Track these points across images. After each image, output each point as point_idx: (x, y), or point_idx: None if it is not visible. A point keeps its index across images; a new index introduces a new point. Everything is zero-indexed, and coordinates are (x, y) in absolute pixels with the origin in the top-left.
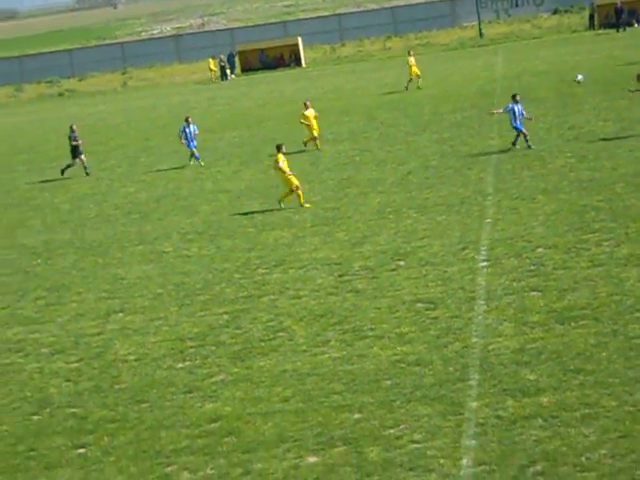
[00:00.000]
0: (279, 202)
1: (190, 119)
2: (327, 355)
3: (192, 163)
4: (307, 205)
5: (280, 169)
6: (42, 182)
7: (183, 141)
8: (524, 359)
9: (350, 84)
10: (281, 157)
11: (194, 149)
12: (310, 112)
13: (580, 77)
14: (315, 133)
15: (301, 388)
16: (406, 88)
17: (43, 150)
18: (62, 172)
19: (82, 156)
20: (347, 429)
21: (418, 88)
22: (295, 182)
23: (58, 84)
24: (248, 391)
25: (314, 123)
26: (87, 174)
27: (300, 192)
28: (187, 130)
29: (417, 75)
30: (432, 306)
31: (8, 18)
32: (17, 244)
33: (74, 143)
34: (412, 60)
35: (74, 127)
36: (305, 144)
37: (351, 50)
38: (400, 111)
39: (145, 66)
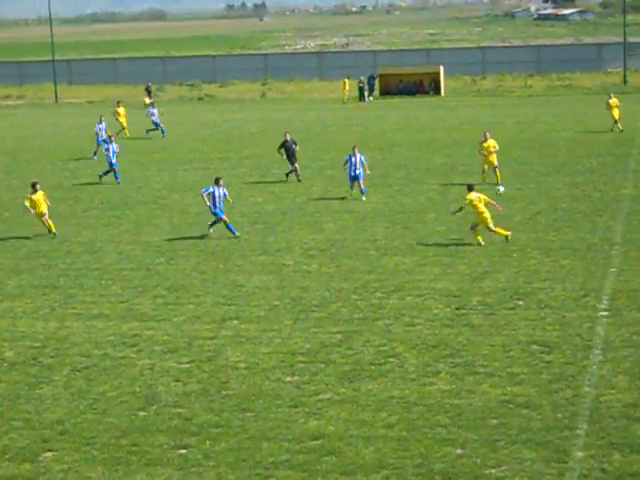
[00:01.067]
0: (474, 234)
1: (356, 149)
2: (436, 386)
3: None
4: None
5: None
6: (172, 183)
7: (344, 167)
8: (636, 414)
9: (487, 117)
10: (472, 196)
11: (361, 181)
12: (490, 143)
13: (501, 189)
14: (488, 165)
15: (406, 416)
16: (612, 130)
17: (176, 151)
18: (286, 175)
19: (296, 164)
20: (448, 463)
21: (620, 131)
22: (488, 221)
23: (199, 88)
24: (353, 413)
25: (492, 155)
26: (299, 180)
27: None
28: (353, 159)
29: (617, 118)
30: (547, 350)
31: (156, 19)
32: (142, 241)
33: (295, 147)
34: (614, 101)
35: (287, 136)
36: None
37: (491, 84)
38: (535, 150)
39: (285, 79)
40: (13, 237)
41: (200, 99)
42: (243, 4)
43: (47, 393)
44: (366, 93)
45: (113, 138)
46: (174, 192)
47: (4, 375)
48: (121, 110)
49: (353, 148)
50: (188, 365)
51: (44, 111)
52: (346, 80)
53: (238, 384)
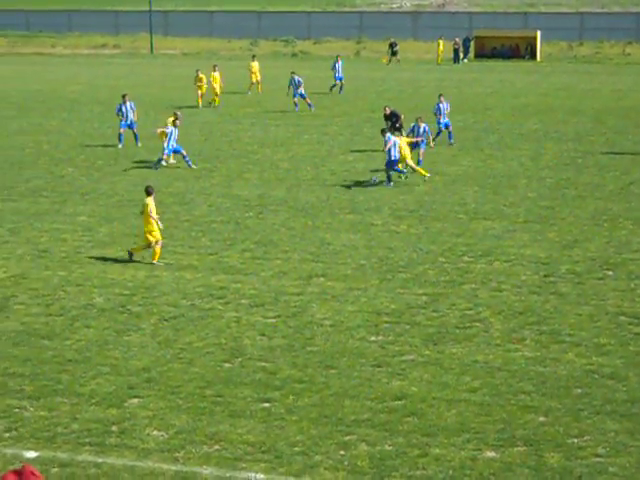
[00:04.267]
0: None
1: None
2: (520, 353)
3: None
4: None
5: None
6: (263, 137)
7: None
8: None
9: (583, 84)
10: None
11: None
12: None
13: (375, 179)
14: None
15: (489, 381)
16: None
17: (269, 107)
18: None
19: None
20: (530, 430)
21: None
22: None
23: (293, 44)
24: (436, 375)
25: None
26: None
27: None
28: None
29: None
30: (635, 321)
31: None
32: (233, 194)
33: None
34: None
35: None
36: None
37: (589, 50)
38: (631, 119)
39: (380, 38)
40: (106, 185)
41: (294, 55)
42: None
43: (134, 340)
44: (461, 55)
45: (127, 97)
46: (265, 147)
47: (93, 321)
48: (254, 65)
49: (417, 119)
50: (274, 320)
51: (139, 61)
52: (441, 41)
53: (322, 341)
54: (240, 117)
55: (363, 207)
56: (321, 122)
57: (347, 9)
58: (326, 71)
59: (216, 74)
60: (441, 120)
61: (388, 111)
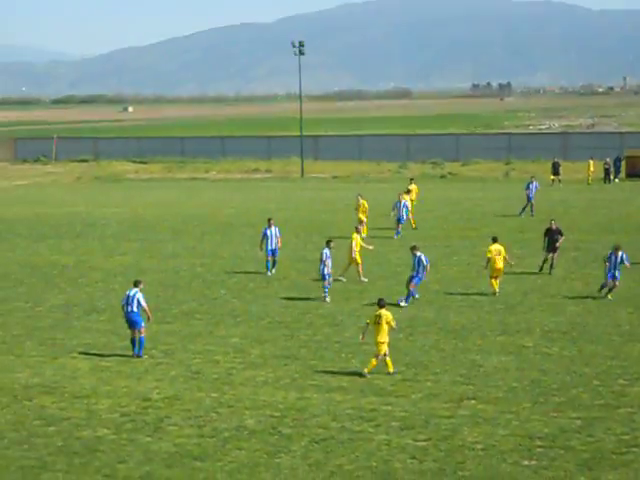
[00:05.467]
0: None
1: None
2: None
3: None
4: None
5: None
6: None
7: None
8: None
9: None
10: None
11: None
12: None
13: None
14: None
15: None
16: None
17: (419, 228)
18: (540, 269)
19: (554, 253)
20: None
21: None
22: None
23: (442, 166)
24: None
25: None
26: (550, 273)
27: None
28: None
29: None
30: None
31: (402, 97)
32: None
33: (558, 237)
34: None
35: (553, 224)
36: None
37: None
38: None
39: (529, 159)
40: (257, 307)
41: (442, 177)
42: (488, 84)
43: (285, 463)
44: (612, 175)
45: (272, 222)
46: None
47: (245, 443)
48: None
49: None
50: (425, 443)
51: (290, 185)
52: (591, 161)
53: (474, 465)
54: (390, 239)
55: (514, 328)
56: (470, 243)
57: (495, 131)
58: (474, 192)
59: (362, 202)
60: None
61: (554, 226)
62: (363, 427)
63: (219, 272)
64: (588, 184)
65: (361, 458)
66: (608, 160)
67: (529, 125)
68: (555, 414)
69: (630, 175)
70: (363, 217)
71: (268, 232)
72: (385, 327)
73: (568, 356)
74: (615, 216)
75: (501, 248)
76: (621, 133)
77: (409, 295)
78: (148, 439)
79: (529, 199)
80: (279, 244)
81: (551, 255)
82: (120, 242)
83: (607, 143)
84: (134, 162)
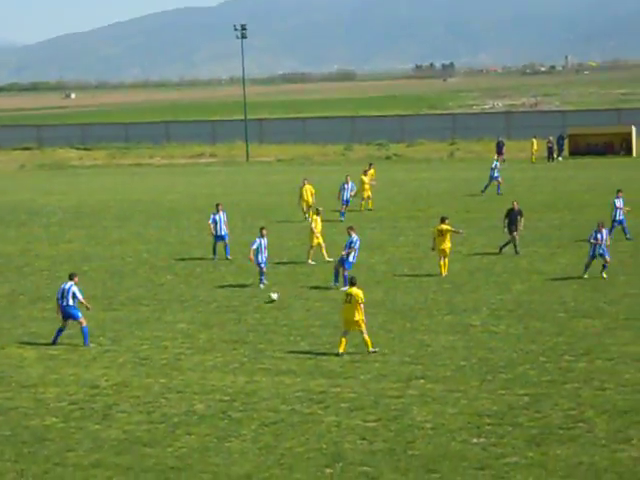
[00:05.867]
0: None
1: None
2: (627, 453)
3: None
4: None
5: None
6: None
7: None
8: None
9: None
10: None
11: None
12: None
13: (275, 296)
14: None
15: None
16: None
17: (364, 209)
18: (500, 249)
19: (515, 233)
20: None
21: None
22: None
23: (387, 147)
24: (541, 478)
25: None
26: (516, 252)
27: None
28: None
29: None
30: None
31: (345, 79)
32: (330, 298)
33: (519, 218)
34: None
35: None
36: None
37: None
38: None
39: (473, 139)
40: (204, 292)
41: (387, 158)
42: (431, 64)
43: (235, 447)
44: (555, 153)
45: (221, 207)
46: (361, 250)
47: (194, 428)
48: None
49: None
50: (374, 423)
51: (235, 169)
52: (534, 140)
53: (424, 444)
54: (335, 221)
55: (461, 308)
56: (417, 224)
57: (439, 111)
58: (420, 173)
59: (307, 187)
60: (617, 217)
61: (516, 207)
62: (312, 409)
63: (165, 258)
64: (532, 162)
65: (311, 440)
66: (551, 138)
67: (473, 105)
68: (503, 391)
69: (573, 153)
70: (310, 201)
71: (217, 217)
72: (358, 306)
73: (515, 334)
74: (559, 194)
75: (447, 227)
76: (563, 112)
77: (345, 280)
78: (97, 426)
79: (493, 178)
80: (227, 229)
81: (514, 234)
82: (65, 230)
83: (550, 122)
84: (78, 149)
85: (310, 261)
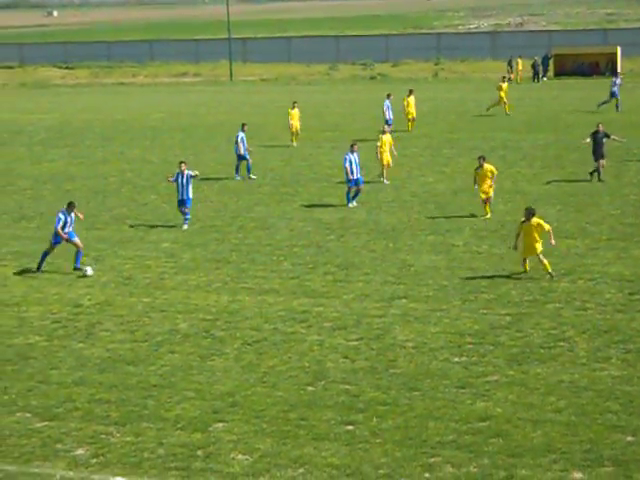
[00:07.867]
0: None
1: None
2: (606, 372)
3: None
4: None
5: None
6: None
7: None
8: None
9: None
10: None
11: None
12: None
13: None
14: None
15: (575, 401)
16: None
17: (348, 130)
18: (590, 174)
19: (602, 160)
20: (618, 450)
21: None
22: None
23: (372, 67)
24: (521, 396)
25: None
26: (599, 180)
27: None
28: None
29: None
30: None
31: None
32: (314, 218)
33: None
34: None
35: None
36: None
37: None
38: None
39: (458, 59)
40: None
41: (372, 78)
42: None
43: (218, 365)
44: (540, 73)
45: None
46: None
47: (178, 346)
48: (504, 85)
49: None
50: (356, 342)
51: (219, 88)
52: (519, 60)
53: (406, 363)
54: (320, 141)
55: (444, 228)
56: (401, 144)
57: (425, 31)
58: (404, 93)
59: (295, 111)
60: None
61: (601, 129)
62: (295, 328)
63: (149, 177)
64: (517, 83)
65: (293, 359)
66: (537, 59)
67: (458, 25)
68: (485, 311)
69: (558, 74)
70: (297, 125)
71: (244, 136)
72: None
73: (497, 254)
74: (543, 114)
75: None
76: (549, 31)
77: (347, 197)
78: (80, 345)
79: (614, 95)
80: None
81: (601, 161)
82: (48, 149)
83: (536, 42)
84: (60, 68)
85: (385, 180)
